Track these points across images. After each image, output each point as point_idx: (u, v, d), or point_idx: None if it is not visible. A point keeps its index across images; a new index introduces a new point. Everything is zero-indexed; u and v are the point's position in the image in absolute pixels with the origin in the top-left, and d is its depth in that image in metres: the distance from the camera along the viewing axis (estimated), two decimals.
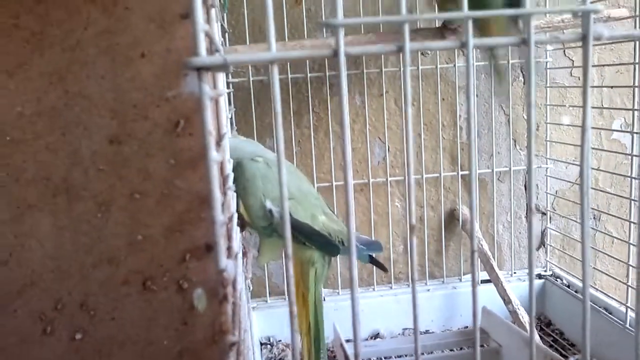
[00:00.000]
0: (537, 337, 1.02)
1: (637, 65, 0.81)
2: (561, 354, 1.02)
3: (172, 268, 0.44)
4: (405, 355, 0.86)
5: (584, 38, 0.32)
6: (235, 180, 0.71)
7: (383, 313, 1.15)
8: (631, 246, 0.97)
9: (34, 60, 0.42)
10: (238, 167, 0.72)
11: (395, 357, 0.93)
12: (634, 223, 0.98)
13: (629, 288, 0.96)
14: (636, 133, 0.94)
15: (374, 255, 0.89)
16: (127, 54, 0.42)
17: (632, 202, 0.97)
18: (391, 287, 1.19)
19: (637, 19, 0.36)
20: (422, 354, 0.75)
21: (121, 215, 0.44)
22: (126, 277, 0.44)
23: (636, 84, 0.87)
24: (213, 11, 0.45)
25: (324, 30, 1.10)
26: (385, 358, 0.93)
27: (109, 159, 0.43)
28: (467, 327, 1.12)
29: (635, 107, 0.94)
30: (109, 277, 0.44)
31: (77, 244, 0.44)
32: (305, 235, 0.76)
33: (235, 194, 0.74)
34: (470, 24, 0.31)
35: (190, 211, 0.44)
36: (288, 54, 0.30)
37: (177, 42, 0.42)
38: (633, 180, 0.96)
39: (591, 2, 0.41)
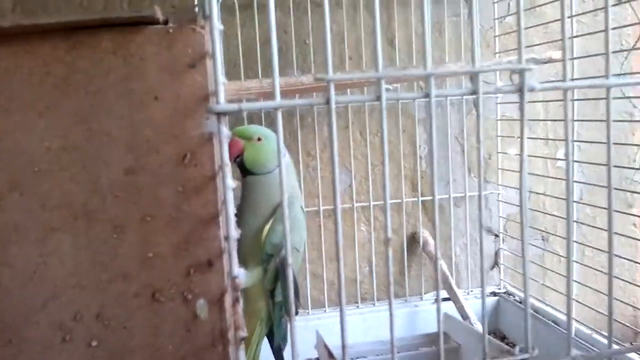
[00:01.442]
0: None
1: (567, 112, 0.92)
2: None
3: (178, 282, 0.51)
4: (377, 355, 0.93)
5: (520, 90, 0.41)
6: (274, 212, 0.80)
7: (351, 330, 1.22)
8: (572, 262, 1.07)
9: (62, 102, 0.49)
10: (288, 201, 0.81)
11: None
12: (583, 243, 1.09)
13: (572, 301, 1.06)
14: (576, 161, 1.05)
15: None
16: (142, 98, 0.49)
17: (570, 222, 1.08)
18: (358, 307, 1.26)
19: (567, 68, 0.43)
20: (398, 352, 0.82)
21: (134, 236, 0.50)
22: (137, 291, 0.51)
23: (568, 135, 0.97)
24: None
25: (295, 69, 1.18)
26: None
27: (124, 187, 0.50)
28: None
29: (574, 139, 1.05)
30: (122, 290, 0.51)
31: (94, 261, 0.50)
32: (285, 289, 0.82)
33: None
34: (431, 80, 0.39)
35: (195, 232, 0.51)
36: (291, 102, 0.38)
37: (185, 88, 0.49)
38: (570, 201, 1.07)
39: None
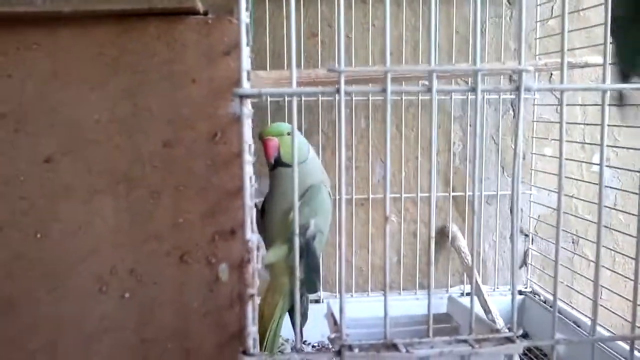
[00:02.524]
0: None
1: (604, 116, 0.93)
2: None
3: (204, 246, 0.57)
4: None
5: (517, 89, 0.45)
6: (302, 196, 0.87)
7: (375, 314, 1.26)
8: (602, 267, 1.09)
9: (111, 79, 0.55)
10: (314, 188, 0.89)
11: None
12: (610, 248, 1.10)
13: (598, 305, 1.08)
14: (612, 167, 1.06)
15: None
16: (181, 79, 0.55)
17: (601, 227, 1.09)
18: (384, 294, 1.30)
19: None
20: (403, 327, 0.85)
21: (168, 202, 0.56)
22: (168, 251, 0.57)
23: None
24: (248, 49, 0.58)
25: (336, 61, 1.23)
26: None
27: (162, 158, 0.56)
28: None
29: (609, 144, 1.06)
30: (154, 250, 0.57)
31: (131, 222, 0.56)
32: (310, 268, 0.87)
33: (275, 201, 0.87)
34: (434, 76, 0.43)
35: (221, 202, 0.57)
36: (304, 90, 0.43)
37: (219, 72, 0.55)
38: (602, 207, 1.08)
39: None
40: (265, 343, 0.87)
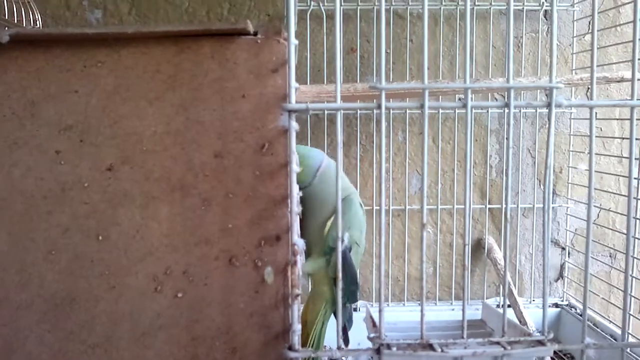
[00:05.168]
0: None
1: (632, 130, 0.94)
2: None
3: (251, 250, 0.61)
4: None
5: (549, 105, 0.48)
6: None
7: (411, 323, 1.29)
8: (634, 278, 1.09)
9: (167, 95, 0.60)
10: (346, 201, 0.91)
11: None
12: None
13: (632, 317, 1.08)
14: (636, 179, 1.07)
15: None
16: (232, 95, 0.59)
17: (629, 237, 1.10)
18: (419, 304, 1.32)
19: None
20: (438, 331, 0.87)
21: (218, 209, 0.60)
22: (217, 255, 0.61)
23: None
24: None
25: (374, 75, 1.27)
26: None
27: (213, 168, 0.60)
28: None
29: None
30: (205, 253, 0.61)
31: (184, 227, 0.61)
32: (348, 279, 0.89)
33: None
34: (469, 93, 0.47)
35: (267, 210, 0.60)
36: (349, 105, 0.47)
37: (268, 88, 0.59)
38: (630, 217, 1.08)
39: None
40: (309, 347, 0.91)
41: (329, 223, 0.89)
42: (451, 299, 1.34)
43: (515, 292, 1.25)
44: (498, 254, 1.28)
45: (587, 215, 0.54)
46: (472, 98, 0.48)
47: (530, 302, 1.34)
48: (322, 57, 1.25)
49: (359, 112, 1.26)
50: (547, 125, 1.31)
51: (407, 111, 1.27)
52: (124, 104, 0.60)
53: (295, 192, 0.51)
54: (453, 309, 1.32)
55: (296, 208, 0.54)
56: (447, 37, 1.28)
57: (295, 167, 0.48)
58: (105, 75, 0.60)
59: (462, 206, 1.31)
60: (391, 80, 1.27)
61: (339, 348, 0.49)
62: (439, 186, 1.31)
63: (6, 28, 1.00)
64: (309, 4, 1.23)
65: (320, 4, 1.23)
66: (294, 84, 0.46)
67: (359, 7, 1.24)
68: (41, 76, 0.60)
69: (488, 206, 1.32)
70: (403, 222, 1.31)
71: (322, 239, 0.90)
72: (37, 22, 1.10)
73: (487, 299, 1.34)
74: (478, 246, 1.34)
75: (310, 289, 0.97)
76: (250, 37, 0.59)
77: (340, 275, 0.53)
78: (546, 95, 1.22)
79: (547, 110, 0.47)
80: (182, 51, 0.59)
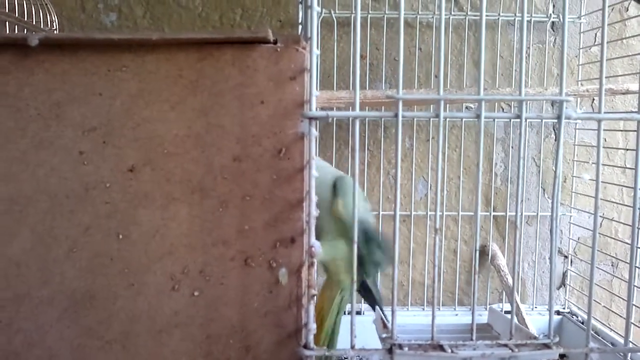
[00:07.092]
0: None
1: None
2: None
3: (266, 252, 0.63)
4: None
5: (558, 117, 0.49)
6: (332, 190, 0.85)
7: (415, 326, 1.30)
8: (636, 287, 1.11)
9: (189, 99, 0.62)
10: (340, 180, 0.85)
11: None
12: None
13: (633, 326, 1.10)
14: None
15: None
16: (252, 101, 0.61)
17: (634, 247, 1.11)
18: (423, 309, 1.35)
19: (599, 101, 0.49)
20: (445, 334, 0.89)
21: (235, 211, 0.62)
22: (234, 255, 0.63)
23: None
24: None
25: (383, 82, 1.29)
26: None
27: (231, 171, 0.62)
28: None
29: None
30: (222, 253, 0.63)
31: (203, 228, 0.63)
32: (374, 244, 0.87)
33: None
34: (483, 104, 0.49)
35: (283, 213, 0.62)
36: (367, 114, 0.49)
37: (286, 95, 0.61)
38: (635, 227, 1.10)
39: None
40: (323, 337, 0.90)
41: (338, 202, 0.85)
42: (454, 305, 1.35)
43: (517, 298, 1.27)
44: (502, 261, 1.30)
45: (593, 225, 0.56)
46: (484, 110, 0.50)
47: (532, 309, 1.36)
48: (332, 64, 1.27)
49: (367, 118, 1.28)
50: (552, 135, 1.33)
51: (415, 118, 1.29)
52: (147, 108, 0.62)
53: (313, 197, 0.53)
54: (457, 314, 1.34)
55: (314, 212, 0.55)
56: (455, 46, 1.31)
57: (314, 173, 0.49)
58: (129, 79, 0.62)
59: (467, 213, 1.33)
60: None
61: (352, 347, 0.50)
62: (444, 193, 1.33)
63: (25, 30, 1.03)
64: (320, 10, 1.26)
65: (332, 11, 1.25)
66: (315, 92, 0.48)
67: (369, 15, 1.26)
68: (66, 79, 0.62)
69: (493, 213, 1.34)
70: (408, 227, 1.33)
71: (330, 220, 0.87)
72: (54, 24, 1.12)
73: (490, 304, 1.36)
74: (482, 253, 1.36)
75: (325, 276, 0.95)
76: (270, 45, 0.61)
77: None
78: (552, 105, 1.24)
79: (555, 121, 0.49)
80: (204, 58, 0.61)
